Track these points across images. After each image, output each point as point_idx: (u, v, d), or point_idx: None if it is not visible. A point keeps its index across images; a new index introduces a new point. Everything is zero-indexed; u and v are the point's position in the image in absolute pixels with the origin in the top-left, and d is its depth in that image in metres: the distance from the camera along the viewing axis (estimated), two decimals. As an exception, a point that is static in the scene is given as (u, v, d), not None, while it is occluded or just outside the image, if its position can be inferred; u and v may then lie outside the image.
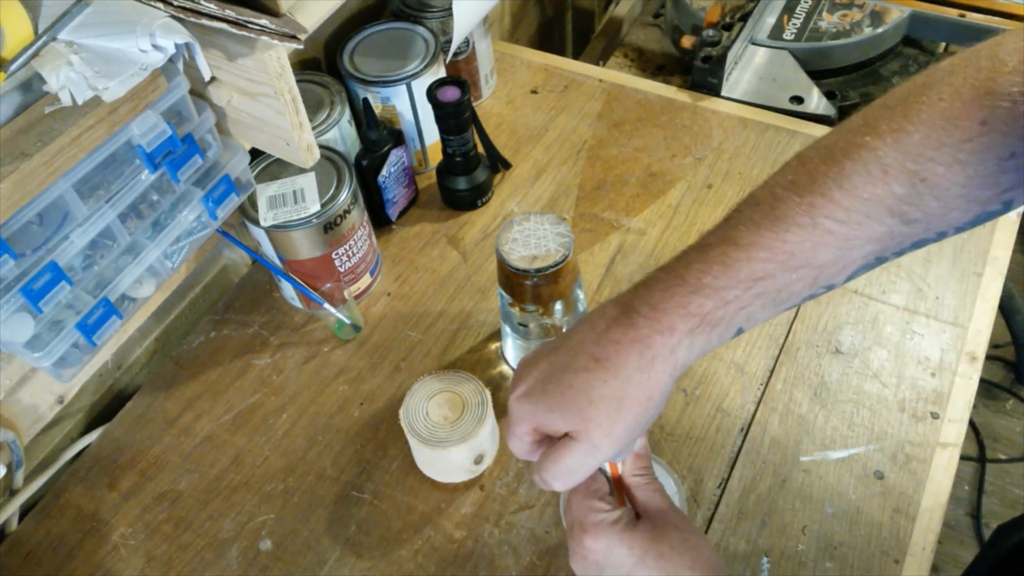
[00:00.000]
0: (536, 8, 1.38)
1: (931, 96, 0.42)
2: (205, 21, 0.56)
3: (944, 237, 0.45)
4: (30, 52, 0.54)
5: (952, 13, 1.05)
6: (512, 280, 0.70)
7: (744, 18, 1.08)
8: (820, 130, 0.98)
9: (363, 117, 0.88)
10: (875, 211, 0.43)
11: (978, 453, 1.60)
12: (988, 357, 1.30)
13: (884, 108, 0.44)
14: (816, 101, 1.03)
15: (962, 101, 0.41)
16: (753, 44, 1.09)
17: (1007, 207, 0.43)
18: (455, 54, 0.98)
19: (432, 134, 0.96)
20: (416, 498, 0.74)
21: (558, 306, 0.72)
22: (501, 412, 0.78)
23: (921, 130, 0.41)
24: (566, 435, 0.48)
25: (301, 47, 0.57)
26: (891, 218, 0.43)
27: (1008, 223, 0.87)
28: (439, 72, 0.93)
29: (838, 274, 0.45)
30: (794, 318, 0.82)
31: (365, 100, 0.89)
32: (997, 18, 1.03)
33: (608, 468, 0.54)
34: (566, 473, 0.48)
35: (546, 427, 0.48)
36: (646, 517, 0.52)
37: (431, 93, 0.86)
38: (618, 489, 0.54)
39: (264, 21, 0.56)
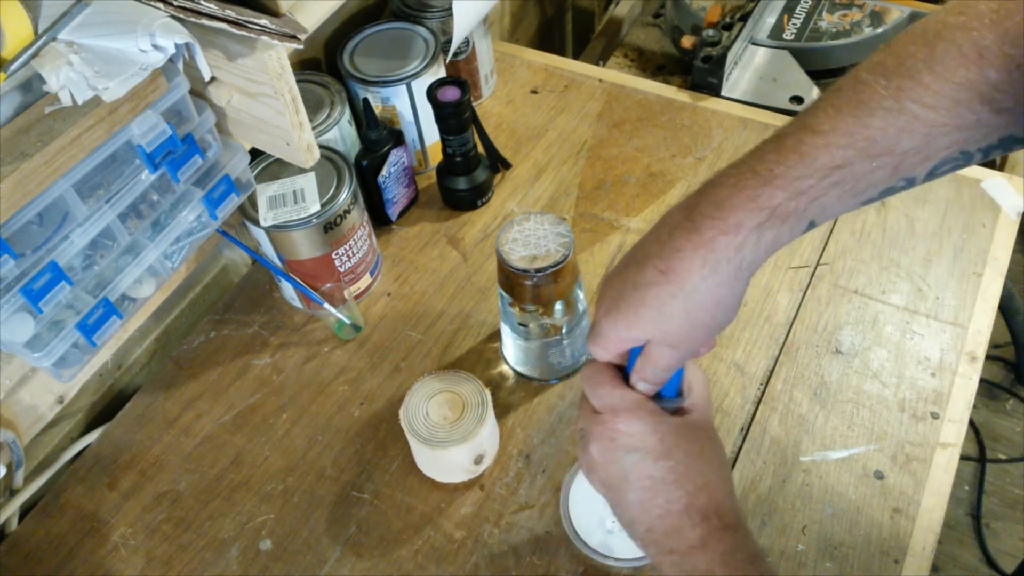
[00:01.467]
0: (536, 8, 1.38)
1: None
2: (205, 21, 0.56)
3: None
4: (30, 52, 0.54)
5: (952, 13, 1.05)
6: (512, 280, 0.70)
7: (744, 18, 1.08)
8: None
9: (363, 117, 0.88)
10: (966, 97, 0.40)
11: (978, 453, 1.60)
12: (988, 357, 1.30)
13: None
14: (816, 101, 1.03)
15: None
16: (753, 44, 1.09)
17: None
18: (455, 54, 0.98)
19: (432, 134, 0.96)
20: (416, 498, 0.74)
21: (558, 306, 0.72)
22: (501, 412, 0.78)
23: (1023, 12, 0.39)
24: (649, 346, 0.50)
25: (301, 47, 0.57)
26: (981, 105, 0.40)
27: (1008, 223, 0.87)
28: (439, 72, 0.93)
29: (920, 164, 0.43)
30: (794, 318, 0.83)
31: (365, 100, 0.89)
32: (997, 18, 1.03)
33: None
34: (661, 371, 0.50)
35: (633, 340, 0.50)
36: (686, 416, 0.52)
37: (431, 93, 0.86)
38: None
39: (264, 21, 0.56)
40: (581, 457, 0.54)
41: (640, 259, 0.48)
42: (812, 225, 0.45)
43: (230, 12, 0.55)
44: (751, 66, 1.08)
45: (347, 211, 0.80)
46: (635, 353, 0.52)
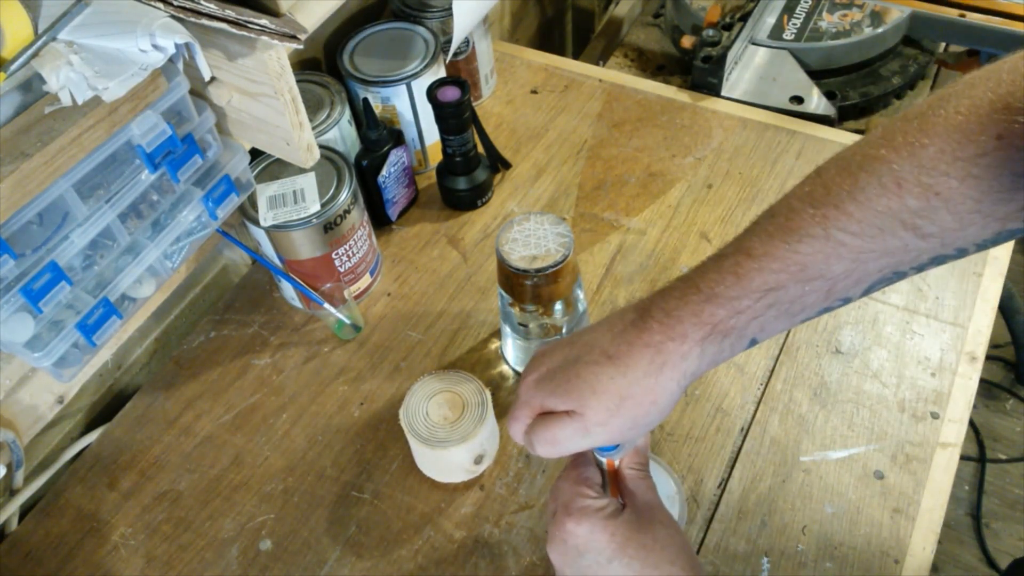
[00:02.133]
0: (536, 8, 1.38)
1: (948, 109, 0.41)
2: (205, 21, 0.56)
3: (965, 254, 0.44)
4: (30, 52, 0.54)
5: (952, 13, 1.05)
6: (512, 280, 0.70)
7: (744, 18, 1.08)
8: (820, 130, 0.99)
9: (363, 117, 0.88)
10: (889, 224, 0.42)
11: (978, 453, 1.60)
12: (988, 357, 1.30)
13: (903, 121, 0.43)
14: (816, 101, 1.03)
15: (979, 115, 0.40)
16: (753, 44, 1.09)
17: None
18: (455, 54, 0.98)
19: (432, 134, 0.96)
20: (416, 498, 0.74)
21: (558, 306, 0.72)
22: (501, 412, 0.78)
23: (936, 143, 0.41)
24: (564, 413, 0.50)
25: (301, 47, 0.57)
26: (905, 231, 0.42)
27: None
28: (439, 72, 0.93)
29: (853, 287, 0.45)
30: (794, 318, 0.82)
31: (365, 100, 0.89)
32: (997, 18, 1.03)
33: (604, 463, 0.55)
34: (551, 441, 0.50)
35: (547, 407, 0.50)
36: (632, 508, 0.53)
37: (431, 93, 0.86)
38: (612, 484, 0.55)
39: (264, 21, 0.56)
40: (550, 554, 0.54)
41: (588, 342, 0.50)
42: (754, 342, 0.47)
43: (230, 12, 0.55)
44: (751, 66, 1.08)
45: (347, 211, 0.80)
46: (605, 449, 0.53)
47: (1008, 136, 0.39)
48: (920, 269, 0.45)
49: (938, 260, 0.45)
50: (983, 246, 0.44)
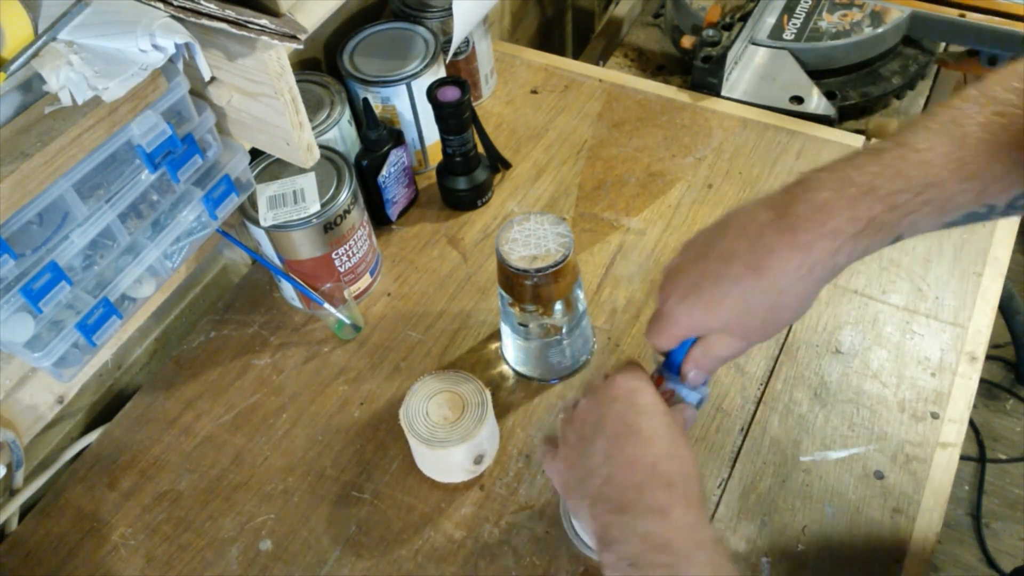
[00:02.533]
0: (536, 8, 1.38)
1: None
2: (205, 21, 0.56)
3: None
4: (30, 52, 0.54)
5: (952, 13, 1.05)
6: (512, 280, 0.70)
7: (744, 18, 1.08)
8: (820, 130, 0.99)
9: (363, 117, 0.88)
10: None
11: (978, 453, 1.60)
12: (988, 357, 1.29)
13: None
14: (816, 101, 1.03)
15: None
16: (753, 44, 1.09)
17: None
18: (455, 54, 0.98)
19: (432, 134, 0.96)
20: (416, 498, 0.74)
21: (558, 306, 0.72)
22: (501, 412, 0.78)
23: None
24: (720, 334, 0.51)
25: (301, 47, 0.57)
26: None
27: (1008, 223, 0.87)
28: (439, 72, 0.93)
29: (1003, 192, 0.45)
30: (794, 318, 0.82)
31: (365, 100, 0.89)
32: (997, 18, 1.03)
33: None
34: (718, 360, 0.53)
35: (704, 330, 0.51)
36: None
37: (431, 93, 0.86)
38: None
39: (264, 21, 0.56)
40: (561, 425, 0.55)
41: (724, 254, 0.49)
42: (899, 238, 0.46)
43: (230, 12, 0.55)
44: (751, 66, 1.08)
45: (347, 211, 0.80)
46: (686, 345, 0.54)
47: None
48: None
49: None
50: None
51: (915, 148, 0.45)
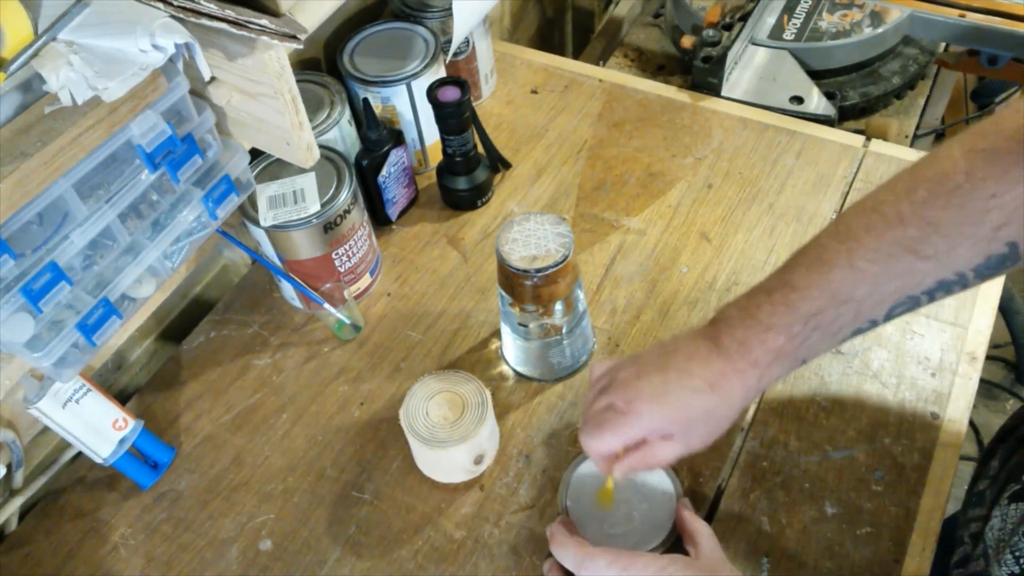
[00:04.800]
0: (536, 8, 1.38)
1: (928, 162, 0.53)
2: (205, 21, 0.56)
3: (966, 281, 0.52)
4: (30, 52, 0.54)
5: (952, 13, 1.05)
6: (512, 280, 0.70)
7: (744, 18, 1.08)
8: (820, 130, 0.99)
9: (363, 117, 0.88)
10: (895, 250, 0.52)
11: (978, 453, 1.60)
12: (988, 357, 1.30)
13: (903, 172, 0.55)
14: (816, 101, 1.03)
15: (952, 161, 0.51)
16: (753, 44, 1.09)
17: (1013, 250, 0.50)
18: (455, 54, 0.97)
19: (432, 134, 0.96)
20: (416, 498, 0.74)
21: (558, 306, 0.72)
22: (501, 412, 0.78)
23: (923, 186, 0.52)
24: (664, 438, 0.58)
25: (301, 47, 0.57)
26: (908, 255, 0.52)
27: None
28: (439, 72, 0.93)
29: (876, 307, 0.54)
30: (794, 318, 0.82)
31: (365, 100, 0.89)
32: (997, 18, 1.03)
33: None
34: (652, 464, 0.61)
35: (658, 432, 0.57)
36: (699, 557, 0.63)
37: (431, 93, 0.86)
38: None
39: (264, 21, 0.56)
40: None
41: (684, 371, 0.57)
42: (804, 362, 0.56)
43: (230, 12, 0.55)
44: (751, 66, 1.08)
45: (347, 211, 0.80)
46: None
47: (974, 171, 0.50)
48: (931, 295, 0.53)
49: (944, 286, 0.52)
50: (980, 272, 0.52)
51: (795, 286, 0.54)
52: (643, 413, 0.57)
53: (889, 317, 0.54)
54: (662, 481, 0.70)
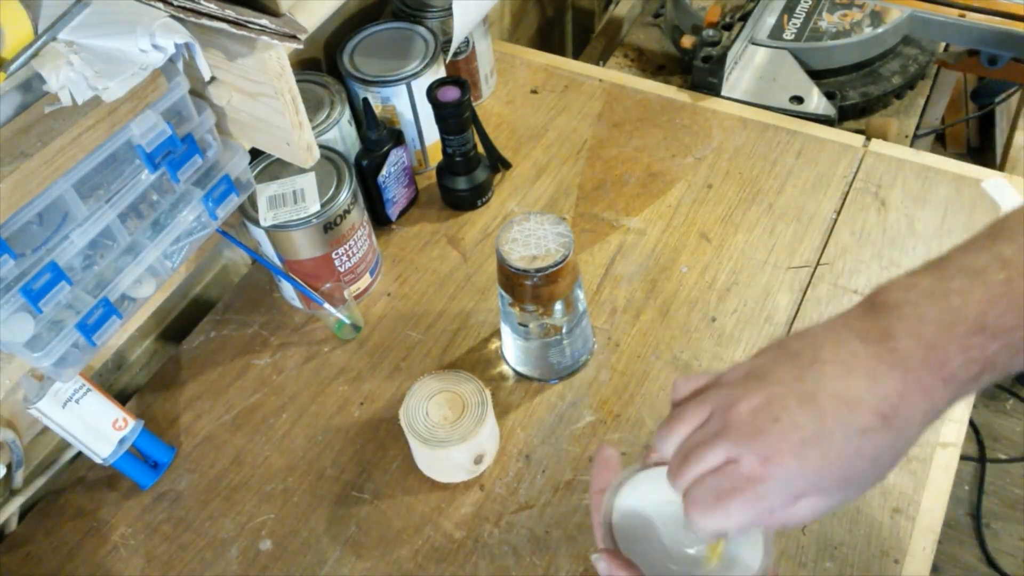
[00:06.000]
0: (536, 8, 1.38)
1: None
2: (205, 21, 0.56)
3: None
4: (30, 52, 0.54)
5: (952, 13, 1.05)
6: (512, 280, 0.70)
7: (744, 18, 1.08)
8: (820, 130, 0.99)
9: (363, 117, 0.88)
10: None
11: (978, 453, 1.60)
12: (988, 357, 1.29)
13: None
14: (816, 101, 1.03)
15: None
16: (753, 44, 1.09)
17: None
18: (455, 54, 0.97)
19: (432, 134, 0.96)
20: (416, 498, 0.74)
21: (558, 306, 0.72)
22: (501, 412, 0.78)
23: None
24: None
25: (301, 47, 0.57)
26: None
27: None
28: (439, 72, 0.93)
29: None
30: (794, 318, 0.82)
31: (365, 100, 0.89)
32: (997, 18, 1.03)
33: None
34: (794, 526, 0.41)
35: (805, 492, 0.39)
36: None
37: (431, 93, 0.86)
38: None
39: (264, 21, 0.56)
40: None
41: (842, 397, 0.39)
42: (1008, 375, 0.40)
43: (230, 12, 0.55)
44: (751, 66, 1.08)
45: (347, 211, 0.80)
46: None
47: None
48: None
49: None
50: None
51: (1017, 265, 0.38)
52: (790, 473, 0.38)
53: None
54: (753, 549, 0.49)
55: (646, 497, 0.49)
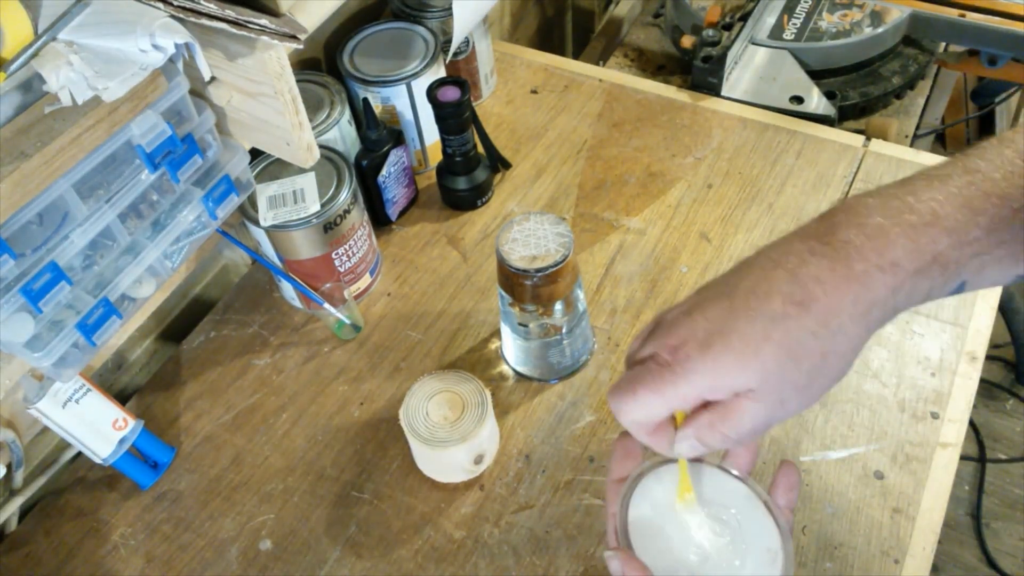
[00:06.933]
0: (536, 8, 1.38)
1: None
2: (205, 21, 0.56)
3: None
4: (30, 52, 0.54)
5: (952, 13, 1.05)
6: (512, 280, 0.70)
7: (744, 18, 1.08)
8: (820, 130, 0.99)
9: (363, 117, 0.88)
10: None
11: (978, 453, 1.60)
12: (988, 357, 1.30)
13: None
14: (816, 101, 1.03)
15: None
16: (753, 44, 1.09)
17: None
18: (455, 54, 0.98)
19: (432, 134, 0.96)
20: (416, 498, 0.74)
21: (558, 306, 0.72)
22: (501, 412, 0.78)
23: None
24: (741, 397, 0.39)
25: (301, 47, 0.57)
26: None
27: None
28: (439, 72, 0.93)
29: None
30: (794, 318, 0.82)
31: (365, 100, 0.89)
32: (997, 18, 1.03)
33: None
34: (751, 434, 0.39)
35: (725, 391, 0.39)
36: None
37: (431, 93, 0.86)
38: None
39: (264, 21, 0.56)
40: None
41: (756, 289, 0.38)
42: (962, 286, 0.39)
43: (230, 12, 0.55)
44: (751, 66, 1.08)
45: (347, 211, 0.80)
46: None
47: None
48: None
49: None
50: None
51: (988, 176, 0.37)
52: (694, 361, 0.39)
53: None
54: (762, 529, 0.48)
55: (670, 491, 0.48)
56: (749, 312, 0.38)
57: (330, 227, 0.79)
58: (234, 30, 0.56)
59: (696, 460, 0.47)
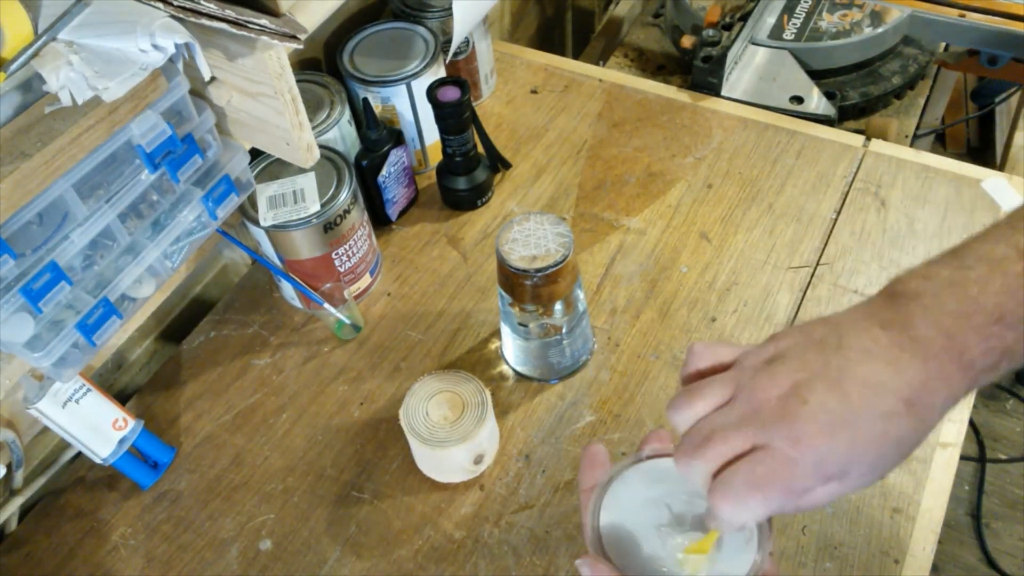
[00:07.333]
0: (536, 8, 1.38)
1: None
2: (205, 21, 0.56)
3: None
4: (30, 52, 0.54)
5: (952, 13, 1.05)
6: (512, 280, 0.70)
7: (744, 18, 1.08)
8: (820, 130, 0.99)
9: (363, 117, 0.88)
10: None
11: (978, 453, 1.60)
12: (988, 357, 1.29)
13: None
14: (816, 101, 1.03)
15: None
16: (753, 44, 1.09)
17: None
18: (455, 54, 0.97)
19: (432, 134, 0.96)
20: (416, 498, 0.74)
21: (558, 306, 0.72)
22: (501, 412, 0.78)
23: None
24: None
25: (301, 47, 0.57)
26: None
27: (1008, 223, 0.87)
28: (439, 72, 0.93)
29: None
30: (794, 318, 0.83)
31: (365, 100, 0.89)
32: (997, 18, 1.03)
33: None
34: (809, 508, 0.40)
35: (830, 476, 0.39)
36: None
37: (431, 93, 0.86)
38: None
39: (264, 21, 0.56)
40: None
41: (867, 382, 0.39)
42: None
43: (230, 12, 0.55)
44: (751, 66, 1.08)
45: (347, 211, 0.80)
46: None
47: None
48: None
49: None
50: None
51: None
52: (822, 454, 0.38)
53: None
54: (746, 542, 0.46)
55: (639, 494, 0.48)
56: (868, 408, 0.39)
57: (330, 227, 0.79)
58: (234, 30, 0.56)
59: (660, 456, 0.47)
